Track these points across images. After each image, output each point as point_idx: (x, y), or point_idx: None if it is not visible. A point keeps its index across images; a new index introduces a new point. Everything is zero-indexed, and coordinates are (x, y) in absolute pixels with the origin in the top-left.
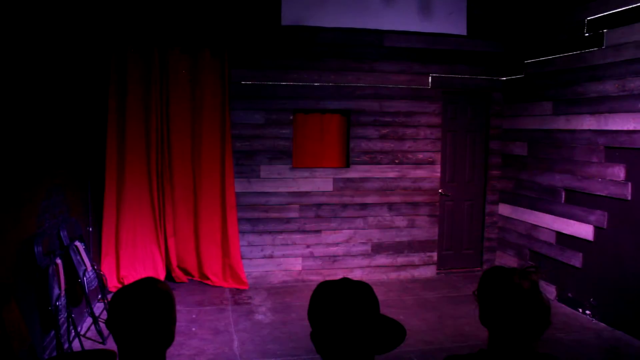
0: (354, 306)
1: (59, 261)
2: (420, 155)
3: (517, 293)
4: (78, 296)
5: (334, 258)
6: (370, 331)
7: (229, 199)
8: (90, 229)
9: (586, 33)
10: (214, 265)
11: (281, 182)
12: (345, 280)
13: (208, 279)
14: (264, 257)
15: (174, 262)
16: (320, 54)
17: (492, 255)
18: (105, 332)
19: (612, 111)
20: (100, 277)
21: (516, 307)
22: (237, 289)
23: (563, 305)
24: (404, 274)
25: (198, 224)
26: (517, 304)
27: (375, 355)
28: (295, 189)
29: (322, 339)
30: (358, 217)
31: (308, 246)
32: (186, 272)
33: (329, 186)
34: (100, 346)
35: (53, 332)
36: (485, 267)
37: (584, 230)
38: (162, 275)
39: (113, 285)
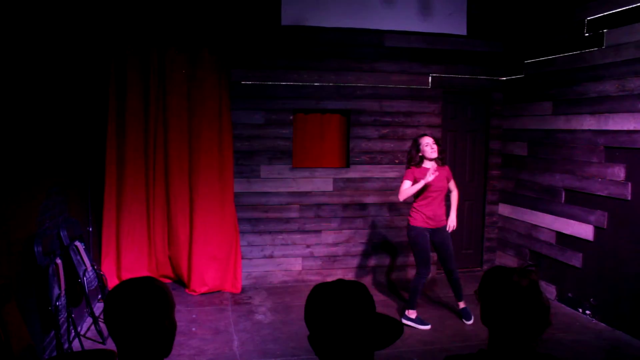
0: (349, 307)
1: (59, 261)
2: None
3: (516, 291)
4: (78, 296)
5: (334, 258)
6: (367, 330)
7: (228, 201)
8: (90, 229)
9: (586, 33)
10: (205, 269)
11: (281, 182)
12: (339, 281)
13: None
14: (264, 257)
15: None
16: (320, 54)
17: (492, 255)
18: (105, 332)
19: (612, 111)
20: (100, 277)
21: (515, 306)
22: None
23: (563, 305)
24: (404, 274)
25: (193, 227)
26: (516, 302)
27: (374, 351)
28: (295, 189)
29: (320, 341)
30: (358, 217)
31: (308, 246)
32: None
33: (329, 186)
34: (100, 346)
35: (53, 332)
36: (485, 267)
37: (584, 230)
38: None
39: (113, 285)
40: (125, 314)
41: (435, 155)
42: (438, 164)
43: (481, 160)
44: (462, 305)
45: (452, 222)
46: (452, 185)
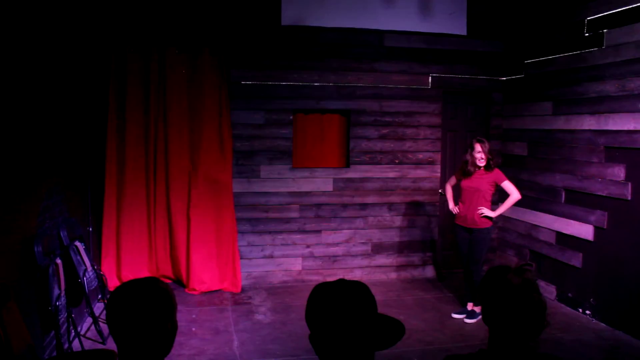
0: (351, 307)
1: (59, 261)
2: (420, 155)
3: (510, 289)
4: (78, 296)
5: (334, 258)
6: (368, 330)
7: (226, 200)
8: (90, 229)
9: (586, 33)
10: (204, 268)
11: (281, 182)
12: (341, 281)
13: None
14: (264, 257)
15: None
16: (320, 54)
17: (492, 255)
18: (105, 332)
19: (612, 111)
20: (100, 277)
21: (509, 304)
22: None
23: (563, 305)
24: (404, 274)
25: (190, 226)
26: (510, 300)
27: (375, 352)
28: (295, 189)
29: (321, 341)
30: (358, 217)
31: (308, 246)
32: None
33: (329, 186)
34: (100, 346)
35: (53, 332)
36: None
37: (584, 230)
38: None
39: (113, 285)
40: (128, 315)
41: (481, 165)
42: (485, 169)
43: None
44: (470, 307)
45: (485, 210)
46: (506, 188)
